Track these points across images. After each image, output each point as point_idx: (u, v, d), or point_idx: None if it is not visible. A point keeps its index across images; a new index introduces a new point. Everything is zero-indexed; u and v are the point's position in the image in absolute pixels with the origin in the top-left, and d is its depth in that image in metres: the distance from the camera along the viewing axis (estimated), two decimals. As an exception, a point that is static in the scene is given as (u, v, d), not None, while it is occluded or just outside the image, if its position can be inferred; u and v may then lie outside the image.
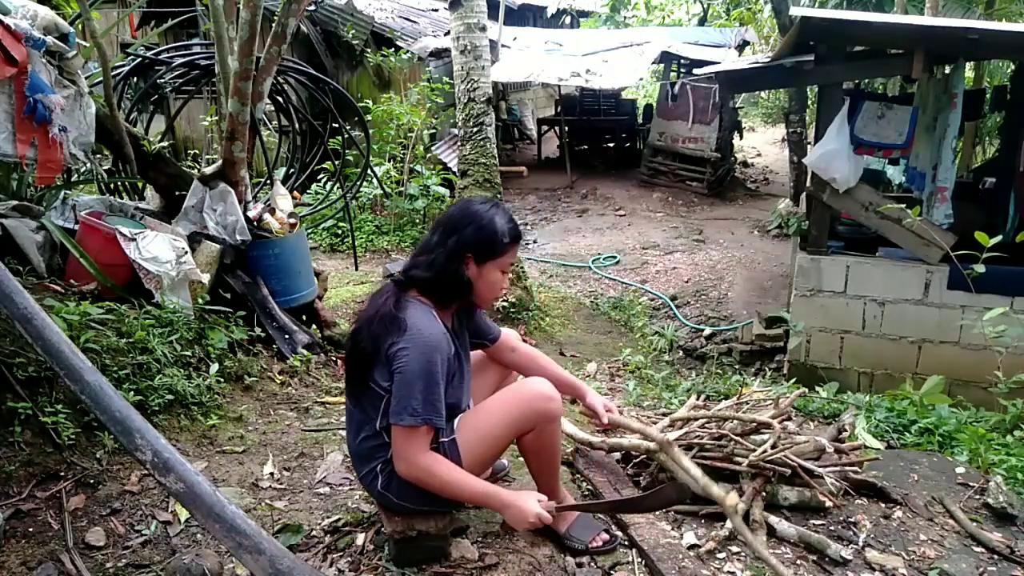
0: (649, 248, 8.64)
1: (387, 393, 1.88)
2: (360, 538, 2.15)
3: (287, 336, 3.60)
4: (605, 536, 2.18)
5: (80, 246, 3.06)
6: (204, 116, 6.67)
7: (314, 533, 2.21)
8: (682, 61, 12.00)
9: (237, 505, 1.82)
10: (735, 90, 10.90)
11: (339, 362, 3.76)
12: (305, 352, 3.58)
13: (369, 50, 9.62)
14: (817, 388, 4.32)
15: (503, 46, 11.19)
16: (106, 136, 3.38)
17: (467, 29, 5.83)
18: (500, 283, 2.05)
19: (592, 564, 2.11)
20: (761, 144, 16.25)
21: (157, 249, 3.09)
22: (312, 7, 9.44)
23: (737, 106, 13.46)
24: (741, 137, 13.26)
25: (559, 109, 12.99)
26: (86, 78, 3.19)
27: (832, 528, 2.37)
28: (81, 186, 3.98)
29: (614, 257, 8.28)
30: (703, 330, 6.54)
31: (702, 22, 15.97)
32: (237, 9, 3.59)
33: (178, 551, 2.09)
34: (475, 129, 6.04)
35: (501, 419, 2.00)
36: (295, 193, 4.65)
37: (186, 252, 3.19)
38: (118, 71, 4.20)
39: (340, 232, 7.54)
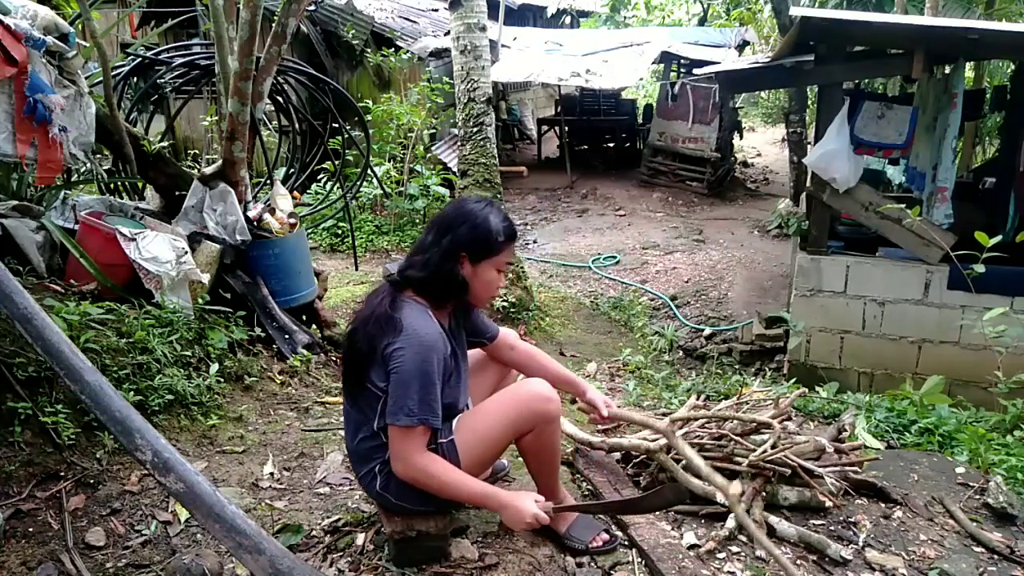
0: (649, 248, 8.64)
1: (384, 394, 1.88)
2: (360, 538, 2.15)
3: (287, 336, 3.60)
4: (605, 536, 2.18)
5: (80, 246, 3.06)
6: (204, 116, 6.67)
7: (314, 533, 2.21)
8: (682, 61, 12.00)
9: (237, 505, 1.82)
10: (735, 90, 10.89)
11: (339, 362, 3.76)
12: (305, 352, 3.58)
13: (369, 50, 9.62)
14: (817, 388, 4.32)
15: (503, 46, 11.19)
16: (106, 136, 3.38)
17: (467, 29, 5.83)
18: (496, 282, 2.04)
19: (592, 564, 2.11)
20: (761, 144, 16.25)
21: (157, 249, 3.09)
22: (312, 7, 9.44)
23: (737, 106, 13.46)
24: (741, 137, 13.26)
25: (559, 109, 12.99)
26: (86, 78, 3.19)
27: (832, 528, 2.37)
28: (81, 186, 3.98)
29: (614, 257, 8.28)
30: (703, 330, 6.54)
31: (702, 22, 15.97)
32: (237, 9, 3.60)
33: (178, 551, 2.09)
34: (475, 129, 6.04)
35: (499, 420, 2.00)
36: (295, 193, 4.65)
37: (186, 252, 3.19)
38: (118, 71, 4.20)
39: (340, 232, 7.54)
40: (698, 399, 3.37)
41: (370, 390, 1.92)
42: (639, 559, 2.14)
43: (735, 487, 2.04)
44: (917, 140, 5.62)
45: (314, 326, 3.93)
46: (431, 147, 9.04)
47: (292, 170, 5.26)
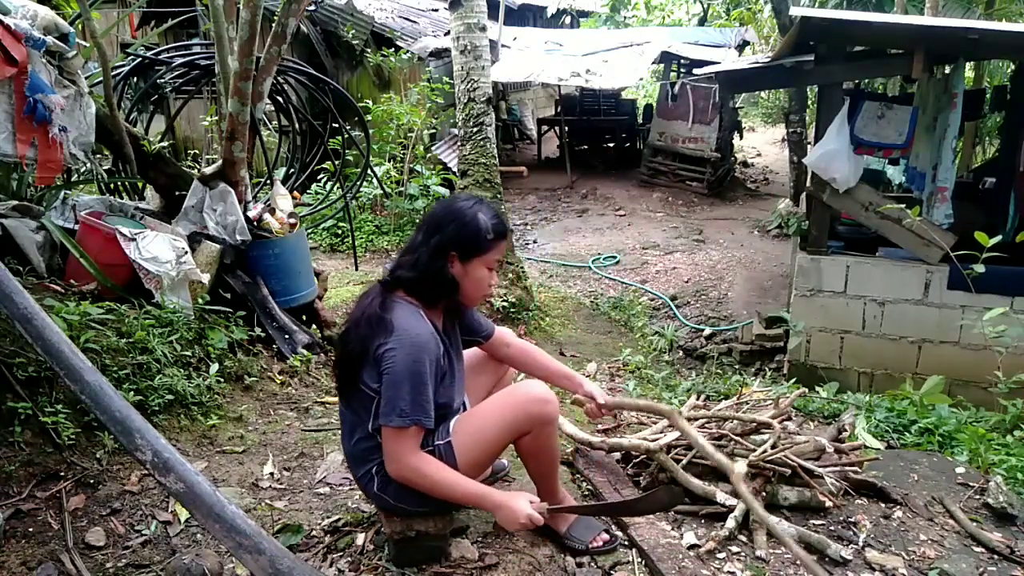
0: (649, 248, 8.64)
1: (377, 395, 1.88)
2: (360, 538, 2.15)
3: (287, 336, 3.60)
4: (605, 536, 2.18)
5: (80, 246, 3.06)
6: (204, 116, 6.67)
7: (314, 533, 2.21)
8: (682, 61, 12.00)
9: (237, 505, 1.82)
10: (735, 90, 10.90)
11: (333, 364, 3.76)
12: (305, 352, 3.59)
13: (369, 50, 9.62)
14: (817, 388, 4.32)
15: (503, 46, 11.19)
16: (106, 136, 3.38)
17: (467, 29, 5.83)
18: (487, 280, 2.02)
19: (592, 564, 2.11)
20: (761, 144, 16.25)
21: (157, 249, 3.09)
22: (312, 7, 9.44)
23: (737, 106, 13.46)
24: (741, 137, 13.26)
25: (559, 109, 12.99)
26: (86, 78, 3.19)
27: (832, 528, 2.37)
28: (81, 186, 3.98)
29: (614, 257, 8.28)
30: (703, 330, 6.54)
31: (702, 22, 15.97)
32: (237, 9, 3.60)
33: (178, 551, 2.09)
34: (475, 129, 6.04)
35: (496, 422, 1.99)
36: (295, 193, 4.65)
37: (186, 252, 3.19)
38: (118, 71, 4.21)
39: (340, 232, 7.54)
40: (698, 399, 3.37)
41: (363, 391, 1.91)
42: (639, 559, 2.14)
43: (740, 466, 2.04)
44: (917, 140, 5.62)
45: (314, 326, 3.93)
46: (431, 147, 9.04)
47: (292, 170, 5.26)
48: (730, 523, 2.25)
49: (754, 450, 2.46)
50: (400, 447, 1.87)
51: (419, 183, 7.78)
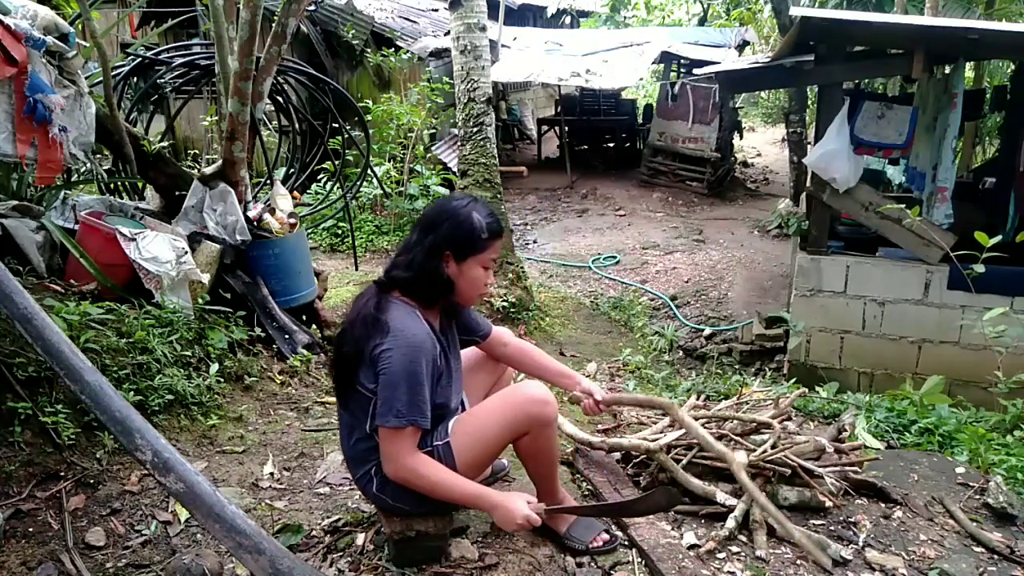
0: (649, 248, 8.64)
1: (374, 396, 1.87)
2: (360, 538, 2.15)
3: (287, 336, 3.60)
4: (605, 536, 2.18)
5: (80, 246, 3.06)
6: (204, 116, 6.67)
7: (314, 533, 2.21)
8: (682, 61, 12.01)
9: (237, 505, 1.82)
10: (735, 90, 10.90)
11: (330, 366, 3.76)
12: (305, 352, 3.58)
13: (369, 50, 9.62)
14: (817, 388, 4.32)
15: (503, 46, 11.19)
16: (106, 136, 3.38)
17: (467, 29, 5.83)
18: (482, 279, 2.01)
19: (592, 564, 2.11)
20: (761, 144, 16.25)
21: (157, 249, 3.09)
22: (312, 7, 9.44)
23: (737, 106, 13.46)
24: (741, 137, 13.27)
25: (559, 109, 12.99)
26: (86, 78, 3.19)
27: (832, 528, 2.37)
28: (81, 186, 3.98)
29: (614, 257, 8.28)
30: (703, 330, 6.54)
31: (702, 22, 15.97)
32: (237, 9, 3.60)
33: (178, 551, 2.09)
34: (475, 129, 6.04)
35: (495, 423, 1.99)
36: (295, 193, 4.65)
37: (186, 252, 3.19)
38: (118, 71, 4.20)
39: (340, 232, 7.53)
40: (698, 399, 3.37)
41: (360, 392, 1.91)
42: (639, 559, 2.14)
43: (740, 455, 2.04)
44: (917, 140, 5.63)
45: (314, 326, 3.93)
46: (431, 147, 9.04)
47: (292, 170, 5.26)
48: (730, 523, 2.25)
49: (754, 450, 2.46)
50: (397, 448, 1.86)
51: (419, 183, 7.77)
